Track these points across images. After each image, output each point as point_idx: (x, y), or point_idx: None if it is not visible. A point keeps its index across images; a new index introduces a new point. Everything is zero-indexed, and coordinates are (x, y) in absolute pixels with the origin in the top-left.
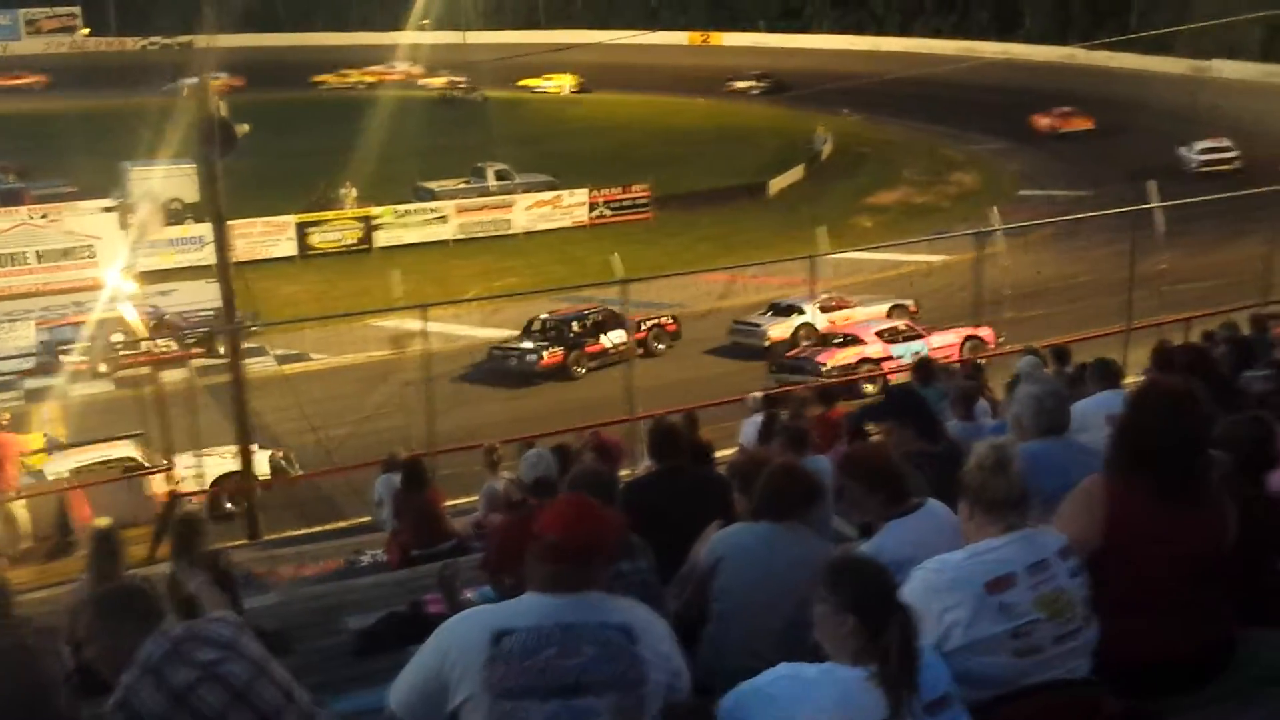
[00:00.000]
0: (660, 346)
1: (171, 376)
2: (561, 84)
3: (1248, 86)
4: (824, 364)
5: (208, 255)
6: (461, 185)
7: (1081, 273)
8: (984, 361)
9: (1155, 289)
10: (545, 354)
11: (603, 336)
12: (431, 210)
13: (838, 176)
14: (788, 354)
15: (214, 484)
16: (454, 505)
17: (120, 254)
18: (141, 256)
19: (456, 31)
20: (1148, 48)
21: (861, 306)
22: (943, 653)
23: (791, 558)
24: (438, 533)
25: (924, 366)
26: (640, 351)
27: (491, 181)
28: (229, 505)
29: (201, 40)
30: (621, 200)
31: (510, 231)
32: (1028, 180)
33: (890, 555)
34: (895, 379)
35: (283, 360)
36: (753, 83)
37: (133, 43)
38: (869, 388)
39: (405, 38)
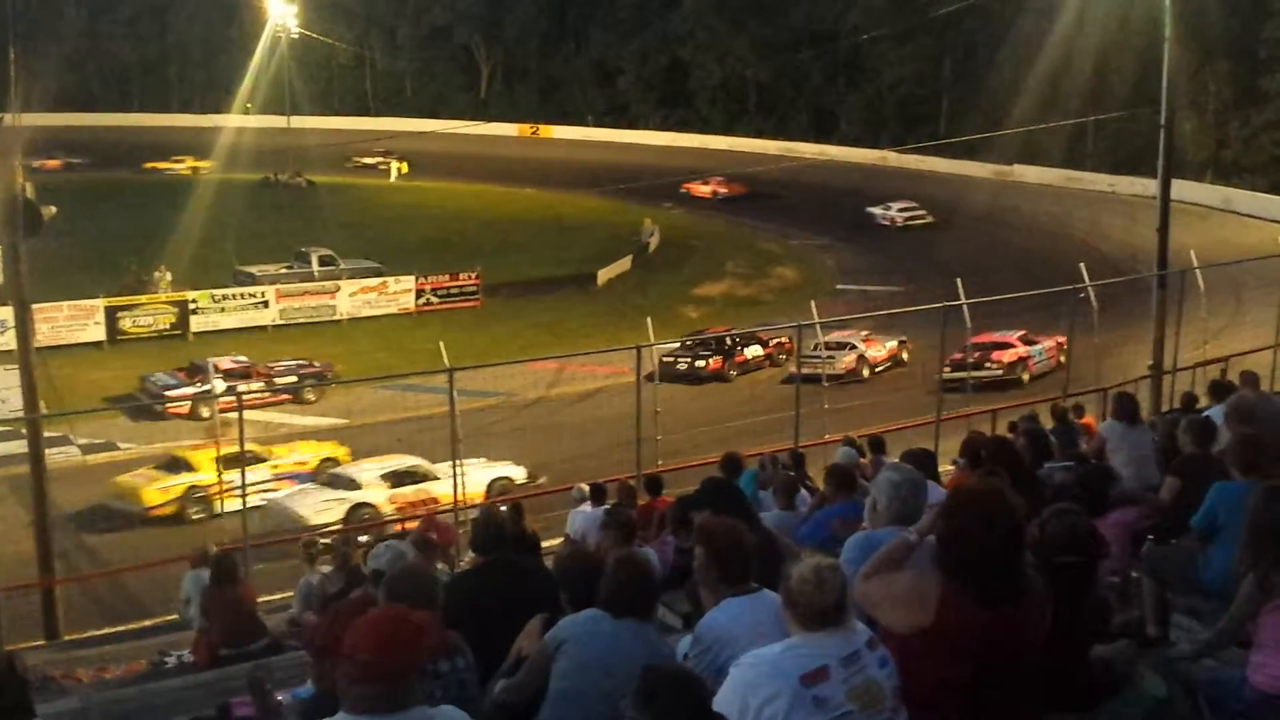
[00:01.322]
0: (783, 357)
1: None
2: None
3: (1049, 190)
4: (999, 361)
5: (9, 340)
6: (284, 270)
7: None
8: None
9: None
10: (710, 360)
11: (745, 349)
12: (251, 295)
13: (664, 268)
14: (950, 359)
15: None
16: (266, 602)
17: None
18: None
19: (281, 116)
20: (956, 153)
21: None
22: None
23: (633, 653)
24: (249, 631)
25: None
26: (768, 363)
27: (316, 266)
28: None
29: (8, 119)
30: (449, 288)
31: (335, 317)
32: (845, 275)
33: (721, 631)
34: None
35: (88, 450)
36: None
37: None
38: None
39: (229, 121)
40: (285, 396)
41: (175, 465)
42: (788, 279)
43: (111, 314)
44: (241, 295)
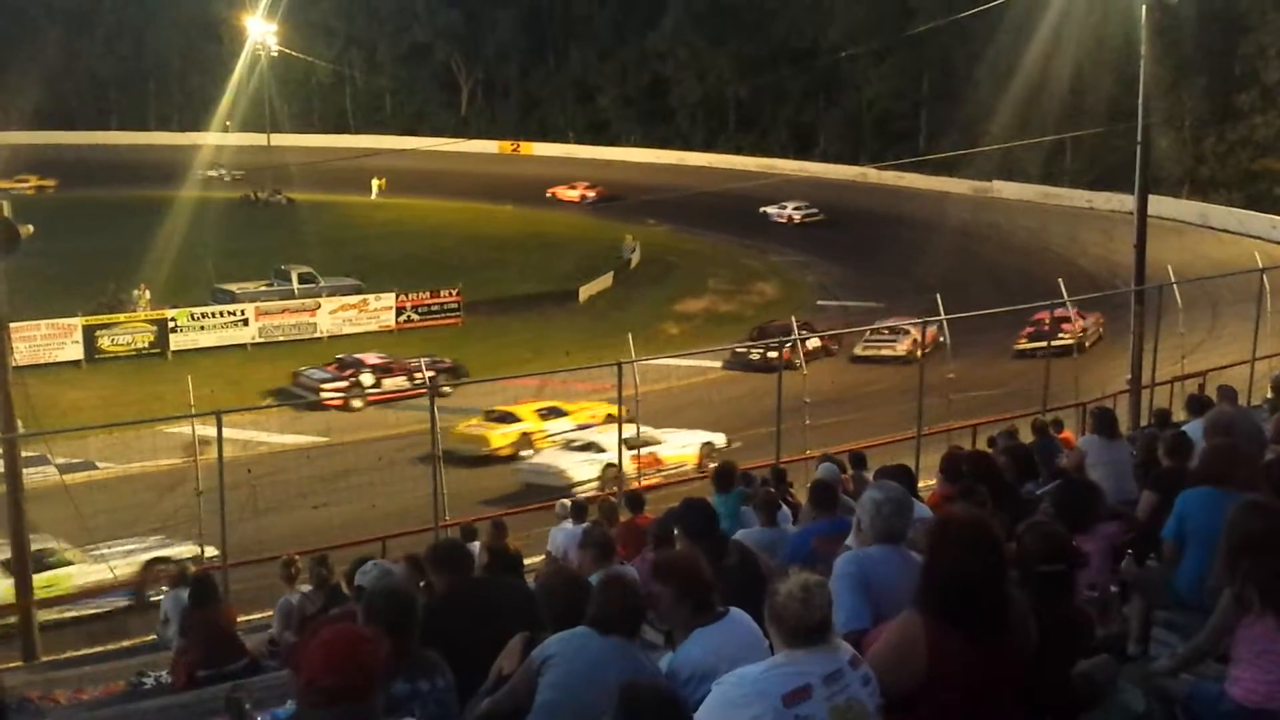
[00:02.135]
0: (835, 347)
1: None
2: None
3: (1027, 206)
4: (1069, 330)
5: None
6: (263, 288)
7: (875, 380)
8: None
9: (944, 396)
10: (783, 350)
11: (807, 341)
12: (231, 313)
13: (646, 284)
14: (1022, 335)
15: None
16: (246, 621)
17: None
18: None
19: (261, 134)
20: (934, 169)
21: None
22: None
23: (618, 670)
24: (228, 652)
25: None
26: (824, 353)
27: (296, 284)
28: None
29: None
30: (430, 305)
31: (315, 335)
32: (824, 291)
33: (695, 665)
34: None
35: (65, 469)
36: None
37: None
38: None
39: (208, 138)
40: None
41: (505, 417)
42: (769, 295)
43: (90, 333)
44: (221, 313)
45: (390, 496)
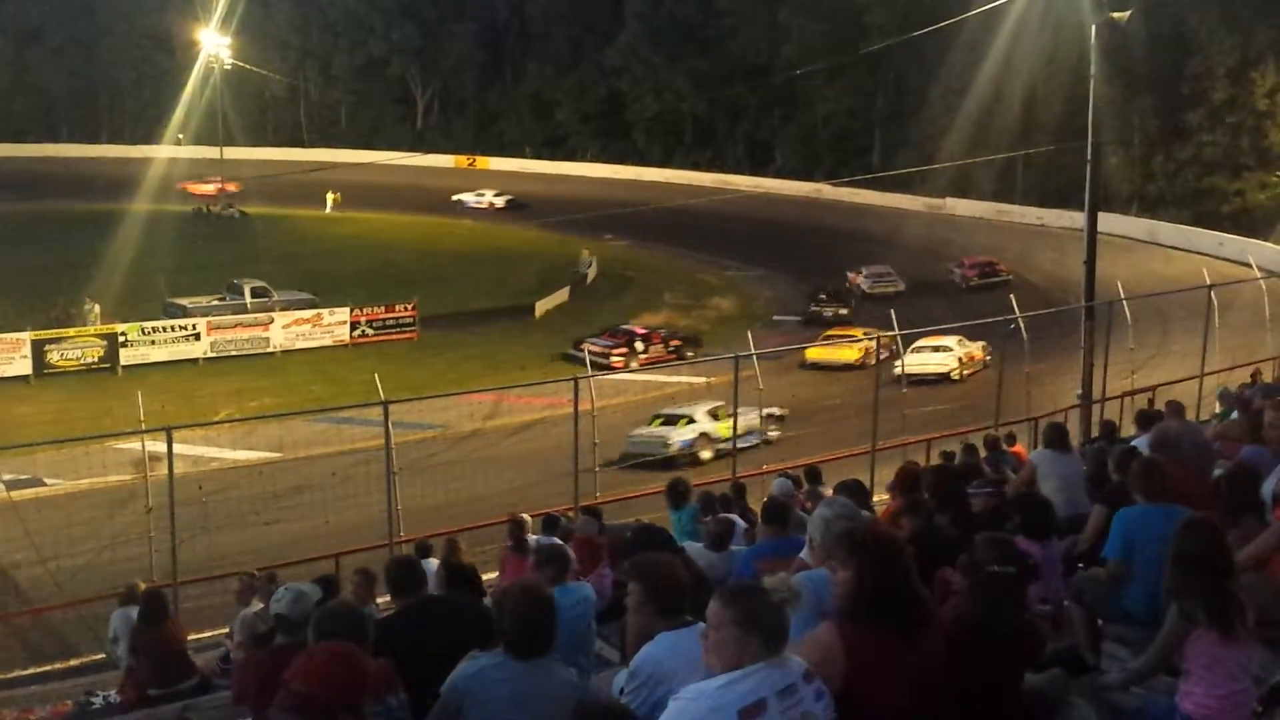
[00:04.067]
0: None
1: None
2: None
3: (981, 223)
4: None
5: None
6: (215, 302)
7: (830, 395)
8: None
9: (898, 411)
10: (848, 309)
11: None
12: (182, 327)
13: (603, 299)
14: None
15: None
16: (197, 639)
17: None
18: None
19: (214, 147)
20: (889, 186)
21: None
22: None
23: (546, 693)
24: (179, 670)
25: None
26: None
27: (249, 298)
28: None
29: None
30: (385, 319)
31: (268, 350)
32: (781, 306)
33: (655, 665)
34: None
35: (12, 486)
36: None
37: None
38: None
39: (161, 152)
40: (671, 356)
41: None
42: (725, 309)
43: (39, 347)
44: (172, 328)
45: (344, 512)
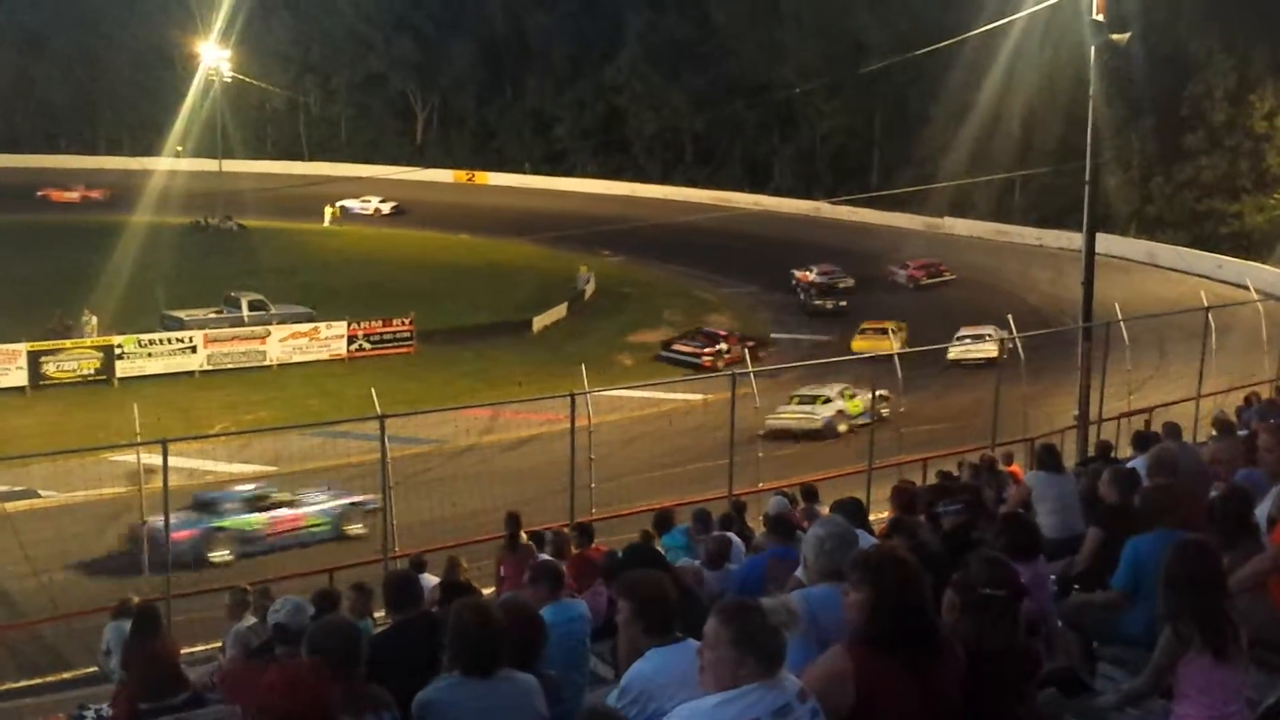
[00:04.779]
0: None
1: None
2: None
3: (979, 243)
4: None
5: None
6: (213, 315)
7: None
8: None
9: (895, 430)
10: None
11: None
12: (179, 340)
13: (600, 315)
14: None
15: None
16: (190, 653)
17: None
18: None
19: (213, 160)
20: (887, 205)
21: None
22: None
23: (501, 705)
24: (171, 684)
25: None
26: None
27: (246, 311)
28: None
29: None
30: (382, 334)
31: (264, 363)
32: (777, 324)
33: (646, 682)
34: None
35: (7, 497)
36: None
37: None
38: None
39: (160, 164)
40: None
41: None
42: (722, 327)
43: (34, 359)
44: (169, 340)
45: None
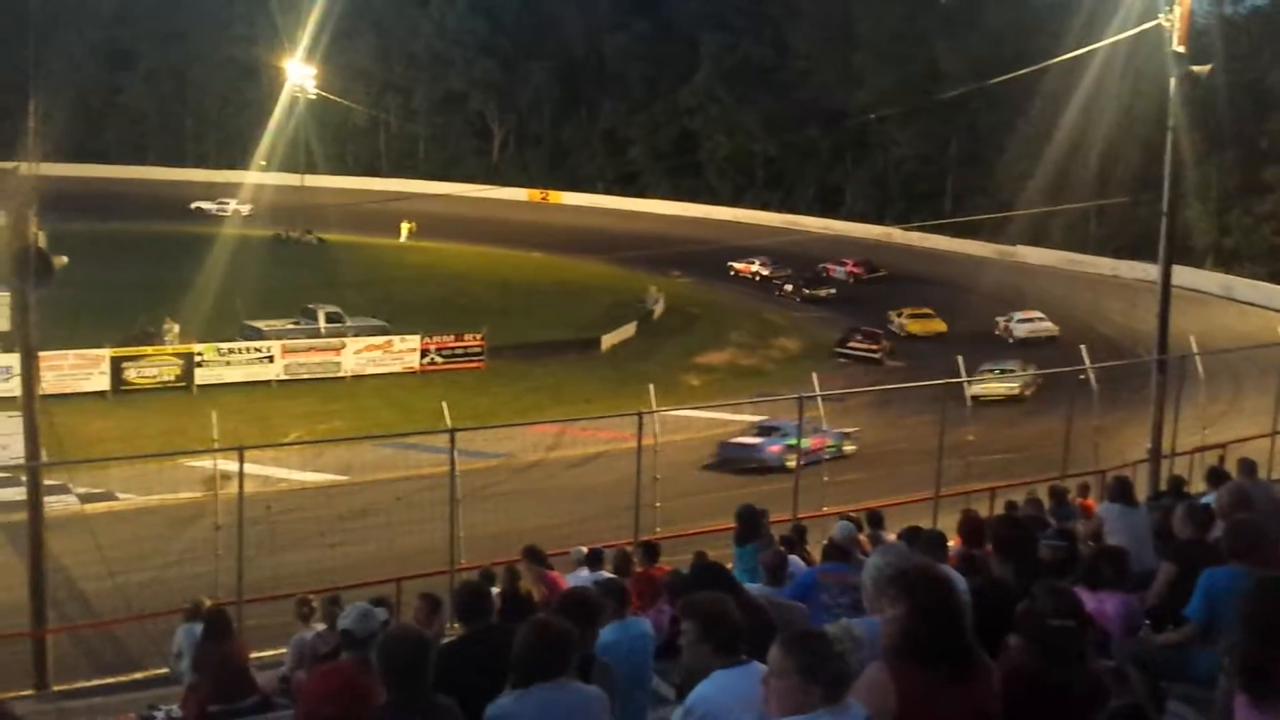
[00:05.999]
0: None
1: None
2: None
3: (1052, 272)
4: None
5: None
6: (290, 326)
7: (895, 440)
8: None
9: (963, 458)
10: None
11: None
12: (257, 349)
13: (668, 335)
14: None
15: None
16: (259, 658)
17: None
18: None
19: (295, 175)
20: (959, 231)
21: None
22: None
23: (564, 717)
24: (240, 688)
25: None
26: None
27: (322, 323)
28: None
29: (23, 168)
30: (454, 348)
31: (339, 374)
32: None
33: (710, 704)
34: None
35: (86, 499)
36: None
37: None
38: None
39: (245, 177)
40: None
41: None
42: (790, 350)
43: (116, 364)
44: (247, 349)
45: (406, 536)
